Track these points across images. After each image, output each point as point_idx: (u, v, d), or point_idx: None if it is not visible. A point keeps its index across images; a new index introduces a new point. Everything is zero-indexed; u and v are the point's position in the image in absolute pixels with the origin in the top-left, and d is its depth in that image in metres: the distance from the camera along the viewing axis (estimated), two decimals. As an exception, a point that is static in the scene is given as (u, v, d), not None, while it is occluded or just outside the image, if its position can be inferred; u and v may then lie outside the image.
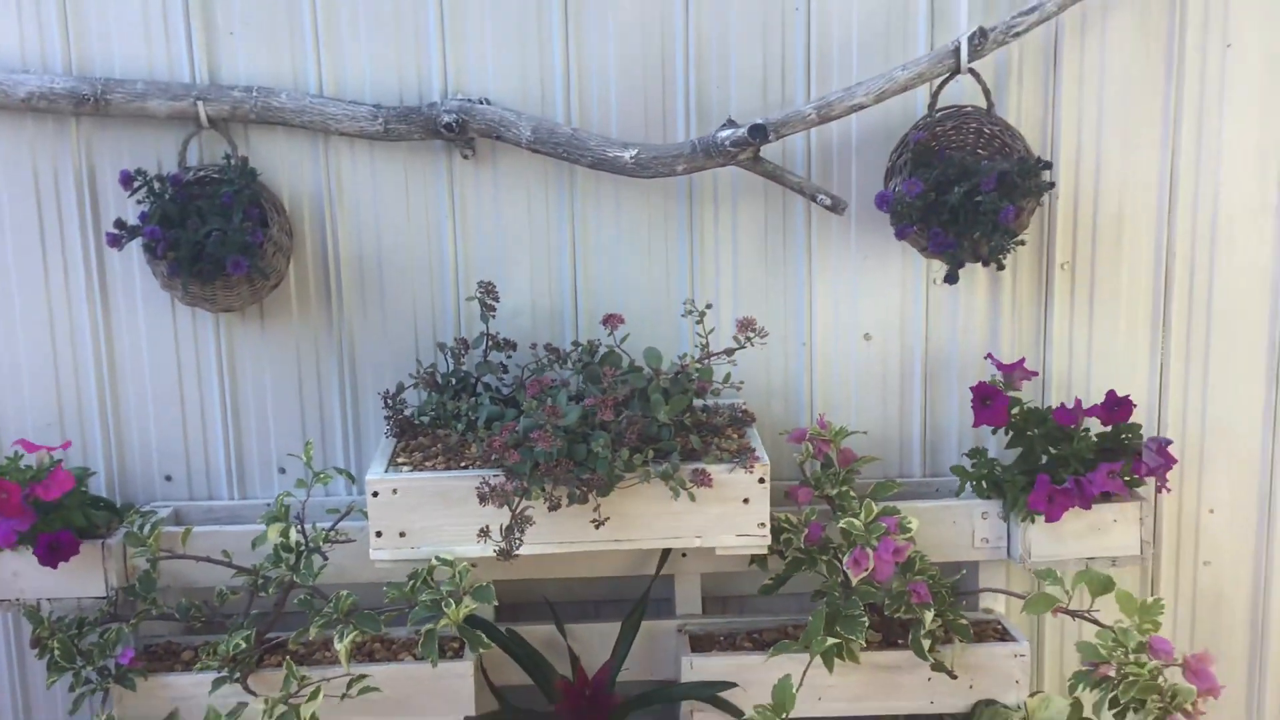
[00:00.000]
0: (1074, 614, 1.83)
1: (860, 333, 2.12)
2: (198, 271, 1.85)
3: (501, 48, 1.99)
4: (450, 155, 2.02)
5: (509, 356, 1.98)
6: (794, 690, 1.72)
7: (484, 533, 1.73)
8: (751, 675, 1.91)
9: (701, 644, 2.01)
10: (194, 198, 1.88)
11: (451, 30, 1.98)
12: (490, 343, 1.97)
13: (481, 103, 1.97)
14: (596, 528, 1.78)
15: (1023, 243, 1.93)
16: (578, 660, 1.97)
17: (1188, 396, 2.14)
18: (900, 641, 1.94)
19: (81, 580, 1.90)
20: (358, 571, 1.94)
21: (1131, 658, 1.74)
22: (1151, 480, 1.97)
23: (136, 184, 1.87)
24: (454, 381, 1.96)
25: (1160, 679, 1.73)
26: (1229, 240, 2.09)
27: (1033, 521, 1.95)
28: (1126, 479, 1.96)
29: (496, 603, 1.75)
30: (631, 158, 1.91)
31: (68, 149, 1.99)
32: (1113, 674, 1.75)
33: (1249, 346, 2.13)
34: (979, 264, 1.91)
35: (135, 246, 1.96)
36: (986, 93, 1.93)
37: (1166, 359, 2.13)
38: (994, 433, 2.03)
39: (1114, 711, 1.74)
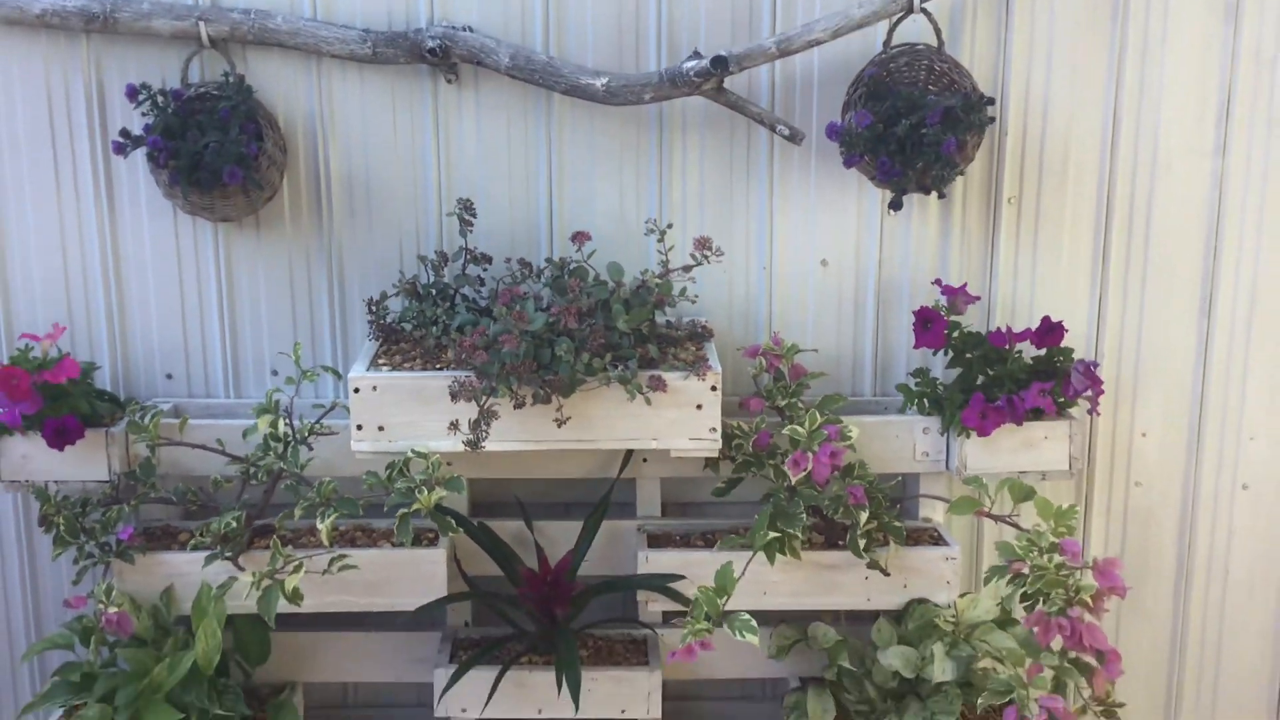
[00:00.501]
0: (995, 517, 1.99)
1: (818, 258, 2.25)
2: (196, 180, 1.99)
3: (485, -22, 2.12)
4: (435, 80, 2.15)
5: (485, 270, 2.13)
6: (735, 576, 1.88)
7: (454, 425, 1.88)
8: (700, 570, 2.07)
9: (658, 542, 2.17)
10: (194, 112, 2.02)
11: (438, -39, 2.11)
12: (468, 256, 2.11)
13: (465, 30, 2.09)
14: (559, 426, 1.93)
15: (962, 173, 2.06)
16: (543, 552, 2.13)
17: (1124, 326, 2.28)
18: (841, 543, 2.09)
19: (86, 465, 2.06)
20: (341, 466, 2.09)
21: (1044, 558, 1.90)
22: (1083, 402, 2.11)
23: (141, 97, 2.01)
24: (434, 292, 2.11)
25: (1069, 577, 1.88)
26: (1168, 179, 2.22)
27: (968, 436, 2.10)
28: (1059, 400, 2.11)
29: (465, 492, 1.92)
30: (603, 85, 2.04)
31: (78, 64, 2.12)
32: (1026, 571, 1.91)
33: (1184, 280, 2.26)
34: (927, 195, 2.05)
35: (140, 158, 2.11)
36: (938, 31, 2.05)
37: (1105, 290, 2.26)
38: (935, 354, 2.18)
39: (1024, 604, 1.90)
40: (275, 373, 2.26)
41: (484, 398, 1.88)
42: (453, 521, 1.94)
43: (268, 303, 2.23)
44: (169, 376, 2.25)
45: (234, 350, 2.25)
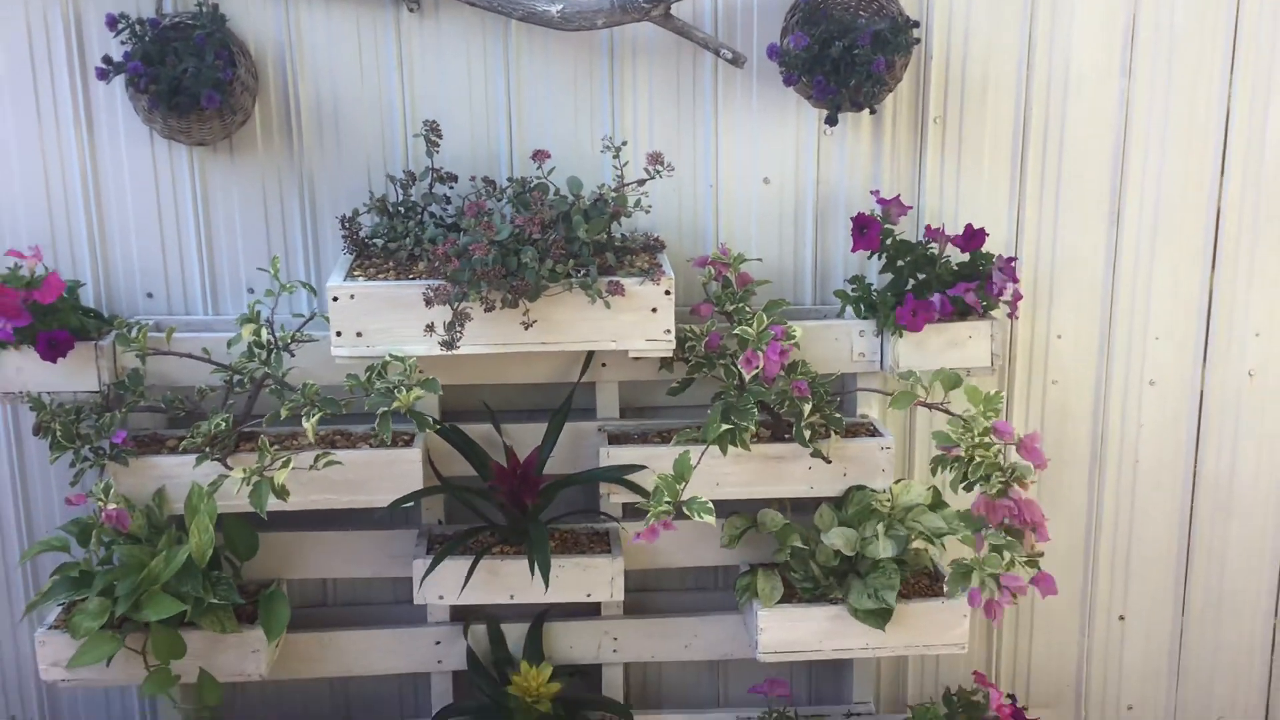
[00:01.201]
0: (931, 406, 2.18)
1: (760, 176, 2.42)
2: (175, 104, 2.11)
3: (445, -88, 2.25)
4: (398, 9, 2.28)
5: (451, 188, 2.27)
6: (692, 465, 2.06)
7: (429, 328, 2.04)
8: (659, 463, 2.24)
9: (618, 440, 2.34)
10: (170, 40, 2.13)
11: (400, -105, 2.23)
12: (435, 176, 2.25)
13: (427, -39, 2.22)
14: (526, 329, 2.09)
15: (891, 90, 2.24)
16: (511, 449, 2.29)
17: (1040, 235, 2.48)
18: (787, 436, 2.28)
19: (77, 376, 2.18)
20: (320, 374, 2.21)
21: (979, 440, 2.10)
22: (1004, 306, 2.31)
23: (120, 26, 2.12)
24: (403, 210, 2.24)
25: (1001, 458, 2.09)
26: (1079, 99, 2.42)
27: (900, 336, 2.29)
28: (984, 300, 2.30)
29: (437, 398, 2.07)
30: (557, 12, 2.18)
31: (55, -4, 2.23)
32: (962, 454, 2.11)
33: (1094, 192, 2.47)
34: (859, 111, 2.22)
35: (118, 87, 2.22)
36: (868, -40, 2.22)
37: (1023, 202, 2.46)
38: (869, 258, 2.36)
39: (964, 485, 2.10)
40: (251, 290, 2.38)
41: (457, 302, 2.03)
42: (430, 418, 2.10)
43: (242, 223, 2.35)
44: (149, 295, 2.37)
45: (211, 269, 2.37)
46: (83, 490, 2.13)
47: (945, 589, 2.19)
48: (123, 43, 2.13)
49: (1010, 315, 2.33)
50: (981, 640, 2.66)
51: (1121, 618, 2.68)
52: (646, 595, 2.54)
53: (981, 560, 2.09)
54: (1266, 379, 2.57)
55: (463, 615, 2.44)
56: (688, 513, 2.02)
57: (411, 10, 2.27)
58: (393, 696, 2.57)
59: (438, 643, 2.44)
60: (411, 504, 2.24)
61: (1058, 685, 2.70)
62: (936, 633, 2.27)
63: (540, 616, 2.44)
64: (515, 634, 2.45)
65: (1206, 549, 2.66)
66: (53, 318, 2.14)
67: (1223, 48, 2.41)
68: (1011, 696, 2.44)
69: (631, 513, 2.38)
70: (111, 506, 2.08)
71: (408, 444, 2.26)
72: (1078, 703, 2.71)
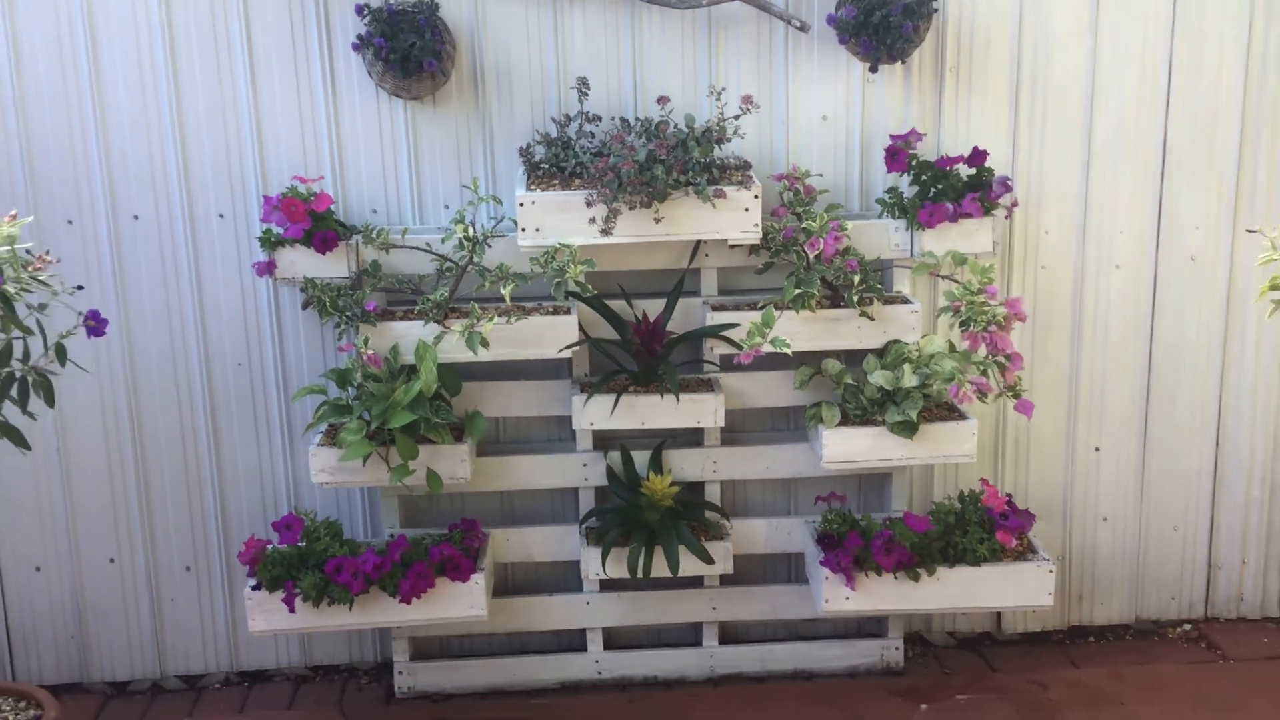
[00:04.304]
0: (942, 276, 3.03)
1: (820, 114, 3.25)
2: (405, 69, 2.97)
3: (588, -75, 3.09)
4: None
5: (597, 125, 3.12)
6: (775, 315, 2.91)
7: (592, 220, 2.90)
8: (748, 324, 3.09)
9: (718, 309, 3.19)
10: (399, 23, 2.99)
11: (556, -87, 3.08)
12: (584, 118, 3.11)
13: (576, -39, 3.07)
14: (656, 223, 2.94)
15: (918, 47, 3.06)
16: (645, 313, 3.15)
17: (1030, 156, 3.30)
18: (841, 303, 3.12)
19: (333, 265, 3.06)
20: (507, 261, 3.08)
21: (974, 297, 2.93)
22: (1001, 205, 3.14)
23: (365, 13, 2.99)
24: (560, 142, 3.10)
25: (987, 307, 2.92)
26: (1060, 52, 3.23)
27: (923, 230, 3.13)
28: (986, 204, 3.13)
29: (596, 266, 2.91)
30: (675, -4, 3.03)
31: (310, -8, 3.10)
32: (962, 308, 2.94)
33: (1071, 123, 3.28)
34: (893, 63, 3.06)
35: (354, 59, 3.09)
36: (898, -46, 3.04)
37: (1017, 131, 3.28)
38: (900, 177, 3.20)
39: (960, 326, 2.94)
40: (447, 206, 3.25)
41: (610, 203, 2.89)
42: (588, 287, 2.96)
43: (441, 156, 3.22)
44: (374, 211, 3.24)
45: (419, 191, 3.24)
46: (348, 341, 3.02)
47: (937, 391, 3.00)
48: (366, 24, 3.00)
49: (1006, 217, 3.16)
50: (989, 471, 3.49)
51: (1097, 449, 3.51)
52: (735, 434, 3.40)
53: (962, 370, 2.92)
54: (1204, 262, 3.39)
55: (602, 444, 3.31)
56: (773, 346, 2.88)
57: (565, -3, 3.12)
58: (545, 507, 3.45)
59: (584, 465, 3.31)
60: (570, 354, 3.11)
61: (1049, 502, 3.53)
62: (953, 445, 3.11)
63: (660, 445, 3.30)
64: (640, 460, 3.31)
65: (1162, 394, 3.48)
66: (322, 223, 3.03)
67: (1166, 11, 3.22)
68: (1009, 495, 3.28)
69: (728, 364, 3.24)
70: (369, 352, 2.96)
71: (566, 313, 3.13)
72: (1064, 515, 3.55)
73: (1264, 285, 2.45)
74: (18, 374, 2.35)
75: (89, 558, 3.37)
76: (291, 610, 2.99)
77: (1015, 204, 3.18)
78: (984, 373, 2.92)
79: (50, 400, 2.35)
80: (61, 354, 2.34)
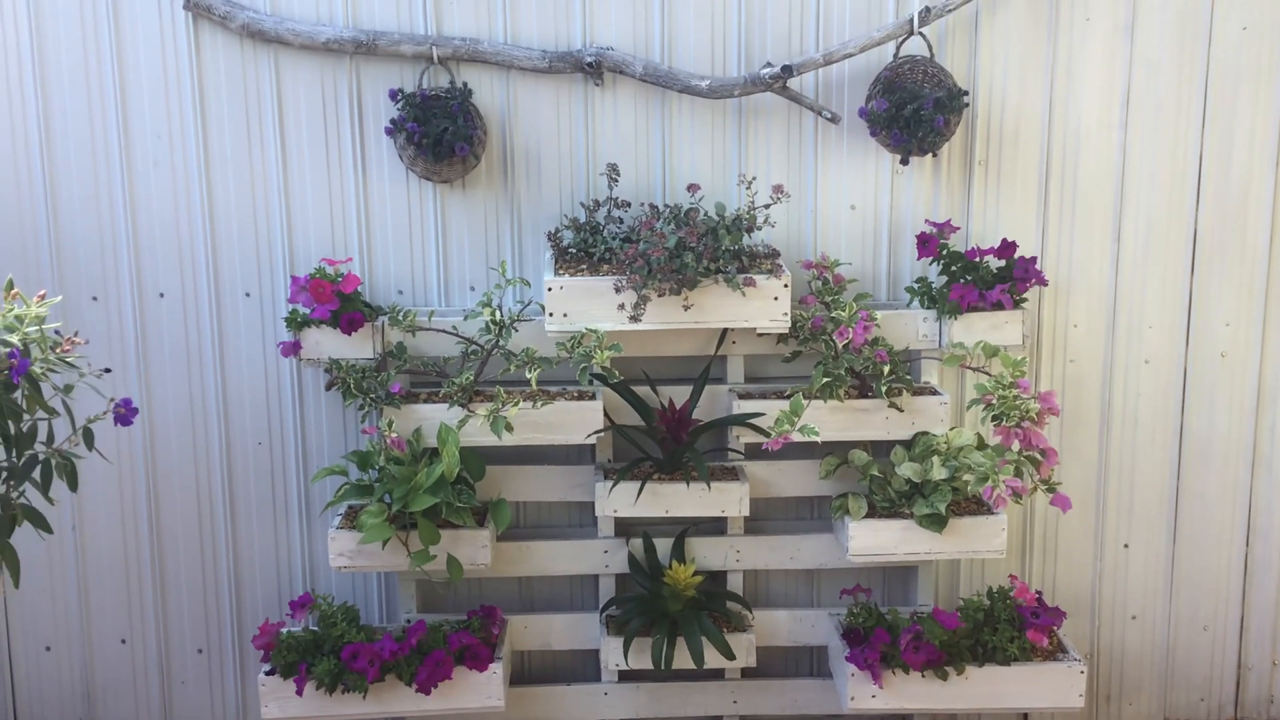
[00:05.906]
0: (973, 368, 3.00)
1: (849, 204, 3.25)
2: (437, 153, 2.98)
3: (621, 14, 3.11)
4: (587, 84, 3.14)
5: (626, 211, 3.12)
6: (804, 404, 2.88)
7: (621, 307, 2.88)
8: (775, 412, 3.06)
9: (745, 397, 3.16)
10: (432, 108, 3.00)
11: (589, 4, 3.10)
12: (613, 203, 3.11)
13: (609, 49, 3.09)
14: (685, 310, 2.92)
15: (948, 140, 3.07)
16: (671, 400, 3.13)
17: (1059, 248, 3.29)
18: (870, 393, 3.09)
19: (359, 346, 3.05)
20: (533, 345, 3.06)
21: (1006, 390, 2.90)
22: (1030, 297, 3.12)
23: (399, 99, 3.00)
24: (589, 227, 3.10)
25: (1021, 402, 2.89)
26: (1088, 146, 3.23)
27: (954, 319, 3.11)
28: (1015, 296, 3.11)
29: (623, 350, 2.89)
30: (706, 85, 3.04)
31: (344, 77, 3.11)
32: (994, 401, 2.91)
33: (1100, 217, 3.27)
34: (923, 155, 3.06)
35: (385, 142, 3.10)
36: (929, 47, 3.06)
37: (1046, 224, 3.27)
38: (930, 264, 3.19)
39: (992, 420, 2.90)
40: (473, 289, 3.24)
41: (639, 290, 2.88)
42: (615, 373, 2.93)
43: (469, 239, 3.22)
44: (400, 292, 3.24)
45: (446, 273, 3.23)
46: (371, 424, 2.99)
47: (969, 487, 2.95)
48: (399, 108, 3.01)
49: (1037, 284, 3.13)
50: (1016, 566, 3.44)
51: (1126, 546, 3.45)
52: (760, 522, 3.35)
53: (995, 469, 2.88)
54: (1234, 359, 3.36)
55: (624, 530, 3.26)
56: (802, 435, 2.85)
57: (597, 85, 3.13)
58: (564, 594, 3.39)
59: (605, 551, 3.26)
60: (595, 440, 3.07)
61: (1076, 599, 3.47)
62: (982, 541, 3.06)
63: (682, 533, 3.25)
64: (663, 548, 3.26)
65: (1191, 491, 3.43)
66: (348, 304, 3.02)
67: (1197, 107, 3.23)
68: (1038, 591, 3.22)
69: (753, 452, 3.20)
70: (393, 435, 2.94)
71: (591, 398, 3.10)
72: (1092, 613, 3.48)
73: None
74: (41, 456, 2.32)
75: (100, 638, 3.32)
76: (299, 693, 2.93)
77: (1045, 283, 3.15)
78: (1018, 471, 2.88)
79: (74, 484, 2.32)
80: (89, 439, 2.32)
